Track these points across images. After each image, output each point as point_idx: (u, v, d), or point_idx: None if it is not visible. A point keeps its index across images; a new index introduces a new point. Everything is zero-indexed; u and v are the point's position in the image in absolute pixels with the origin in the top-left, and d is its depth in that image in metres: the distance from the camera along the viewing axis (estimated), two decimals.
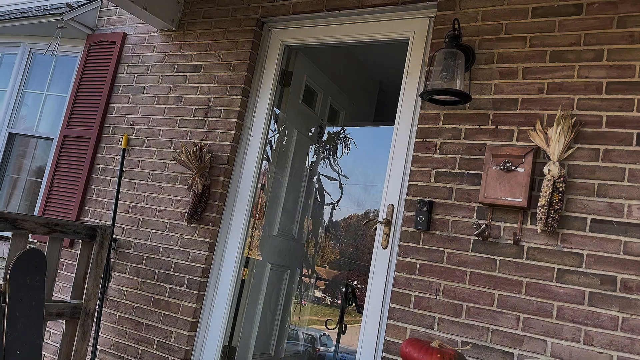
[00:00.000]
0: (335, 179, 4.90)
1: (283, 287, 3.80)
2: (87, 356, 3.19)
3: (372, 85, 4.88)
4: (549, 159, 2.31)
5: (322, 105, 3.99)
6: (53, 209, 3.82)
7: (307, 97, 3.78)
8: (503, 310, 2.31)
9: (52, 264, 2.98)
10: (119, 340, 3.33)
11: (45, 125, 4.36)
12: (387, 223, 2.70)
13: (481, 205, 2.44)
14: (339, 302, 5.70)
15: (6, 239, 3.68)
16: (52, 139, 4.17)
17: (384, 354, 2.52)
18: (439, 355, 2.01)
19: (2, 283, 2.71)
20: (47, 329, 3.57)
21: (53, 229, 2.94)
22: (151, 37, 3.80)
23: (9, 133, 4.34)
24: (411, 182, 2.65)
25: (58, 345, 3.42)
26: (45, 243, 3.09)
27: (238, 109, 3.32)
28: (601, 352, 2.11)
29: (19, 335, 2.73)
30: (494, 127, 2.51)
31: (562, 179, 2.26)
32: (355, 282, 6.40)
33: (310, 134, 3.98)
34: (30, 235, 2.94)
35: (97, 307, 3.23)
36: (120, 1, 3.44)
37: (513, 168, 2.35)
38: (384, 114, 5.30)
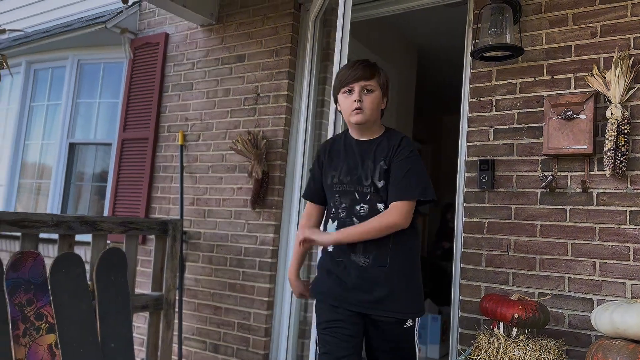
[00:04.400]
0: None
1: None
2: (173, 344, 3.37)
3: (411, 52, 4.86)
4: (610, 102, 2.28)
5: None
6: (121, 209, 4.01)
7: None
8: (578, 259, 2.32)
9: (132, 260, 3.15)
10: (201, 326, 3.50)
11: (101, 132, 4.55)
12: None
13: (545, 157, 2.43)
14: None
15: (82, 243, 3.89)
16: (110, 144, 4.36)
17: (461, 314, 2.57)
18: (520, 307, 2.05)
19: (90, 283, 2.90)
20: None
21: (129, 227, 3.11)
22: (193, 34, 3.90)
23: (70, 143, 4.55)
24: (469, 143, 2.66)
25: (142, 336, 3.63)
26: (118, 243, 3.27)
27: (286, 92, 3.38)
28: None
29: (111, 329, 2.92)
30: (549, 77, 2.48)
31: (626, 121, 2.23)
32: None
33: None
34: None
35: (176, 297, 3.40)
36: (161, 1, 3.54)
37: (574, 116, 2.33)
38: (427, 80, 5.27)
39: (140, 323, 3.77)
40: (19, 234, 2.72)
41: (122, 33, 3.84)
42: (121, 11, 3.98)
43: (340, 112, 2.06)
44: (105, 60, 4.45)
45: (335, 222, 1.99)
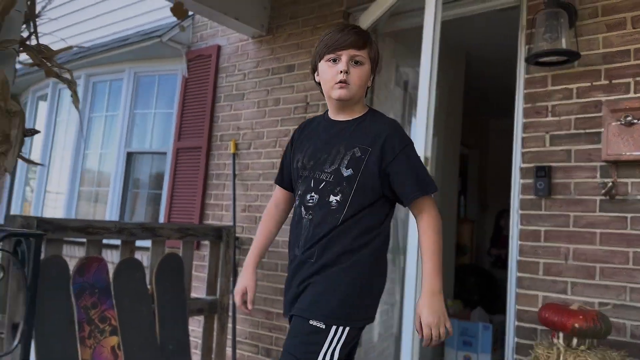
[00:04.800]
0: None
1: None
2: (227, 348, 3.45)
3: (460, 56, 4.82)
4: None
5: (415, 86, 4.00)
6: (176, 216, 4.15)
7: (399, 80, 3.82)
8: None
9: (188, 265, 3.25)
10: (253, 330, 3.57)
11: (157, 141, 4.72)
12: None
13: (604, 163, 2.38)
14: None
15: (140, 249, 4.03)
16: (165, 153, 4.51)
17: (517, 323, 2.54)
18: (581, 317, 2.01)
19: (149, 287, 3.01)
20: None
21: (186, 234, 3.21)
22: (244, 46, 4.00)
23: (127, 152, 4.75)
24: (525, 150, 2.63)
25: (196, 339, 3.73)
26: (174, 248, 3.37)
27: None
28: None
29: (170, 332, 3.02)
30: (607, 81, 2.43)
31: None
32: None
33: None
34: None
35: (230, 301, 3.49)
36: (214, 15, 3.66)
37: (635, 121, 2.27)
38: (474, 84, 5.21)
39: (194, 326, 3.88)
40: (82, 240, 2.86)
41: (187, 49, 3.97)
42: (175, 25, 4.13)
43: (318, 83, 1.73)
44: (160, 72, 4.62)
45: (292, 211, 1.76)
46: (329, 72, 1.63)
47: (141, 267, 2.98)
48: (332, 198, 1.60)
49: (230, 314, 3.52)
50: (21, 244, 1.99)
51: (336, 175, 1.60)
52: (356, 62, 1.62)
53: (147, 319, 2.91)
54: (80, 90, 5.23)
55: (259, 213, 3.69)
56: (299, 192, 1.68)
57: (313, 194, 1.62)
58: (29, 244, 1.96)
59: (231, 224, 3.74)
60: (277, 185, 1.88)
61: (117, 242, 3.06)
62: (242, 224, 3.76)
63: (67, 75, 2.57)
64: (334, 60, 1.62)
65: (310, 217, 1.61)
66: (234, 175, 3.83)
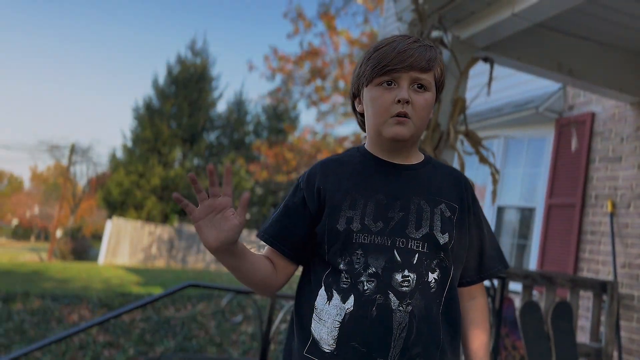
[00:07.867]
0: None
1: None
2: None
3: None
4: None
5: None
6: (548, 265, 4.64)
7: None
8: None
9: (575, 312, 3.70)
10: None
11: (522, 197, 5.34)
12: None
13: None
14: None
15: (513, 292, 4.65)
16: (531, 208, 5.08)
17: None
18: None
19: (546, 326, 3.57)
20: None
21: (575, 284, 3.68)
22: (621, 112, 4.31)
23: (497, 207, 5.50)
24: None
25: None
26: (543, 294, 3.85)
27: None
28: None
29: None
30: None
31: None
32: None
33: None
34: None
35: (614, 352, 3.77)
36: (596, 89, 4.09)
37: None
38: None
39: None
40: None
41: (574, 125, 4.54)
42: (550, 97, 4.70)
43: (359, 114, 1.33)
44: (528, 137, 5.25)
45: (350, 299, 1.17)
46: (382, 100, 1.22)
47: (539, 309, 3.56)
48: (430, 276, 1.19)
49: None
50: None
51: (431, 241, 1.20)
52: (420, 87, 1.23)
53: (546, 353, 3.46)
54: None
55: None
56: (372, 269, 1.17)
57: (407, 272, 1.17)
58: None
59: (611, 278, 4.03)
60: (273, 252, 1.29)
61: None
62: (621, 280, 4.01)
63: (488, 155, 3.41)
64: (389, 84, 1.22)
65: (410, 308, 1.16)
66: (612, 233, 4.12)
